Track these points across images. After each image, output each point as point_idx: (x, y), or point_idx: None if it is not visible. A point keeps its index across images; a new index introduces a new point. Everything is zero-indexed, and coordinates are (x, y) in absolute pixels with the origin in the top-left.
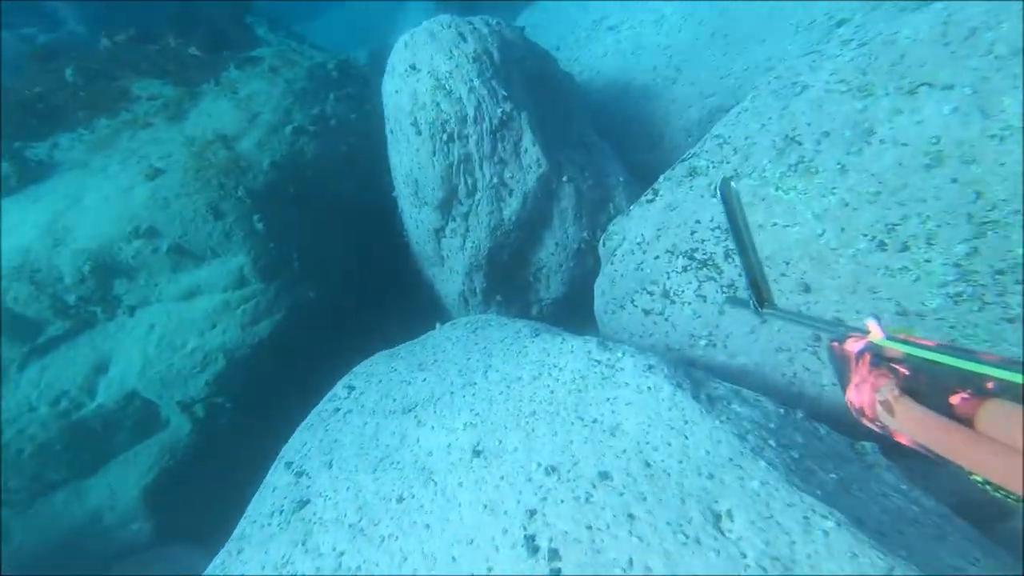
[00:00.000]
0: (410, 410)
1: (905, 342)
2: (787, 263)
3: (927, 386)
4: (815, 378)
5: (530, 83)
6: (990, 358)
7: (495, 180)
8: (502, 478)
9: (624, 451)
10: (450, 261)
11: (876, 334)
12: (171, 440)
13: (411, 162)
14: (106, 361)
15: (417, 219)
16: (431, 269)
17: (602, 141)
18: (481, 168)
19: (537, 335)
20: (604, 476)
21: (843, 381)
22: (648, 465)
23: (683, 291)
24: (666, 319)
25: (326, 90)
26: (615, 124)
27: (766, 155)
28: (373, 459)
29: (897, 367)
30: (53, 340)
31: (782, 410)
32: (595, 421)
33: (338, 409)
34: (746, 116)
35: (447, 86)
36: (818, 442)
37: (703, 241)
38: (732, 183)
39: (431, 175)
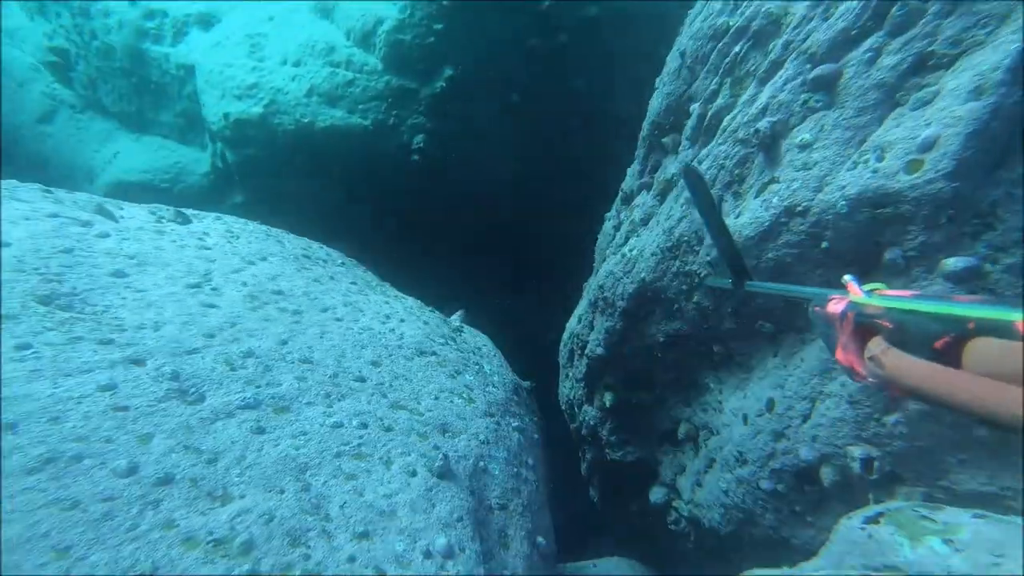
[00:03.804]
0: None
1: (884, 297)
2: None
3: (911, 336)
4: None
5: None
6: (966, 299)
7: (752, 137)
8: None
9: None
10: (604, 267)
11: (855, 293)
12: (187, 165)
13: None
14: (214, 19)
15: (629, 172)
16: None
17: None
18: (746, 93)
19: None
20: None
21: (831, 344)
22: None
23: None
24: None
25: None
26: None
27: None
28: None
29: (880, 322)
30: None
31: None
32: None
33: None
34: None
35: None
36: None
37: None
38: (696, 167)
39: (668, 72)
